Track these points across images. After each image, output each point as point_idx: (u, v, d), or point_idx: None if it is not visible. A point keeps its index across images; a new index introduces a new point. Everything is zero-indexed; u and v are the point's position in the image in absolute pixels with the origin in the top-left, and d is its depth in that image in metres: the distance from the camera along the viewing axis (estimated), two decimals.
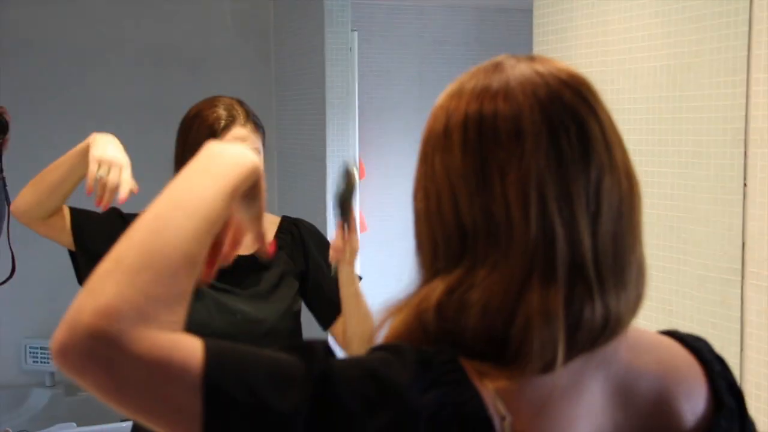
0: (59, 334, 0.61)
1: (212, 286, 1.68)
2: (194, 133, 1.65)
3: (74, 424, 3.15)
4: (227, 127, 1.63)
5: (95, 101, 3.65)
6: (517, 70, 0.74)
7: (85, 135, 3.67)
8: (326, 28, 3.39)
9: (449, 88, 0.76)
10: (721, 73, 1.62)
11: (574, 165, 0.69)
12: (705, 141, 1.66)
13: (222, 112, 1.65)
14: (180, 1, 3.76)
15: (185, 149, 1.66)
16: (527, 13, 4.31)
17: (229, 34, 3.89)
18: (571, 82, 0.74)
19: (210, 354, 0.62)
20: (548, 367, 0.66)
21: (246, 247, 1.72)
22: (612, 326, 0.69)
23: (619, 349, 0.74)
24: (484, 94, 0.72)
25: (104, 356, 0.59)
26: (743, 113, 1.56)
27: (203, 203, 0.69)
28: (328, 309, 1.76)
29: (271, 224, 1.81)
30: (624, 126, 1.91)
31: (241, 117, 1.66)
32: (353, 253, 1.57)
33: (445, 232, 0.70)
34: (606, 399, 0.72)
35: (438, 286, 0.70)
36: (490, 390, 0.66)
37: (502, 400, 0.66)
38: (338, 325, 1.75)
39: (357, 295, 1.62)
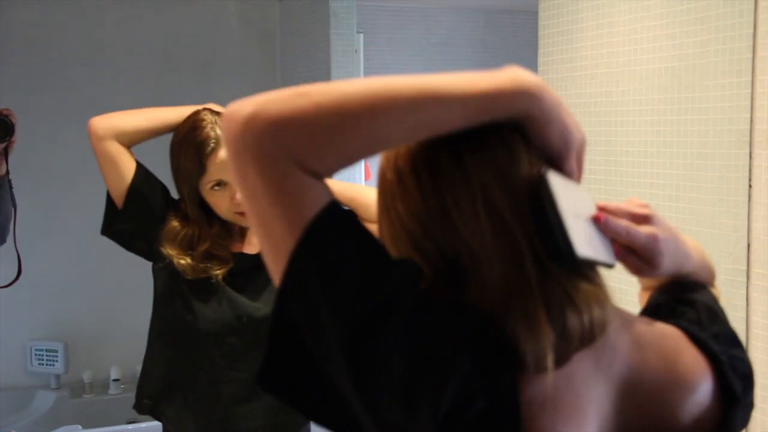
0: (248, 108, 0.68)
1: (227, 283, 1.69)
2: (183, 161, 1.66)
3: (79, 427, 3.15)
4: (214, 151, 1.64)
5: (100, 103, 3.64)
6: None
7: (85, 139, 3.68)
8: (332, 30, 3.40)
9: None
10: (726, 74, 1.62)
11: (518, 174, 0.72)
12: (710, 142, 1.66)
13: (208, 133, 1.65)
14: (185, 3, 3.77)
15: (179, 178, 1.68)
16: (532, 15, 4.31)
17: (234, 36, 3.90)
18: None
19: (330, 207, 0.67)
20: (541, 370, 0.67)
21: (253, 246, 1.74)
22: (599, 324, 0.70)
23: (623, 344, 0.75)
24: None
25: (261, 155, 0.65)
26: (748, 114, 1.56)
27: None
28: None
29: None
30: (629, 127, 1.93)
31: None
32: None
33: (433, 264, 0.73)
34: (611, 394, 0.73)
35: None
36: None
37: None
38: None
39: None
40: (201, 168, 1.64)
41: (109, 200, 1.75)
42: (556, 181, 0.71)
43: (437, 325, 0.66)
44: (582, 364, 0.71)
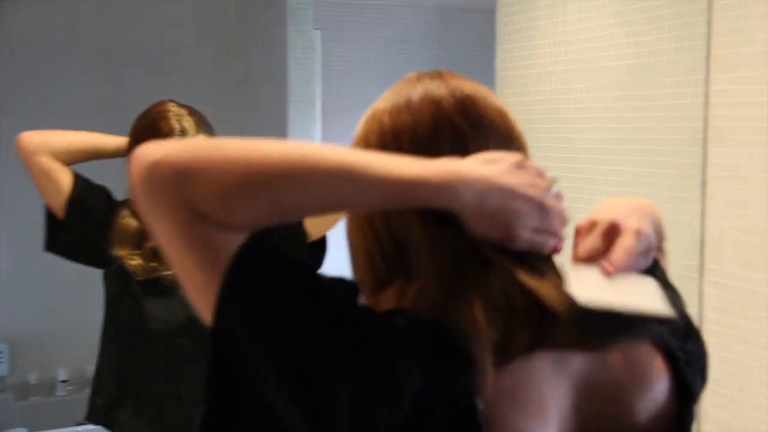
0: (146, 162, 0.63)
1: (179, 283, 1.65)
2: None
3: (25, 430, 3.07)
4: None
5: (48, 100, 3.58)
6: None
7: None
8: (289, 27, 3.37)
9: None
10: (680, 72, 1.63)
11: None
12: (665, 140, 1.67)
13: (173, 125, 1.62)
14: None
15: None
16: (489, 13, 4.33)
17: (189, 31, 3.84)
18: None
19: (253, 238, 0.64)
20: (487, 368, 0.66)
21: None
22: (546, 303, 0.69)
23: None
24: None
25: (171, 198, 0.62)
26: (702, 112, 1.57)
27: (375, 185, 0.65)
28: None
29: None
30: (587, 124, 1.94)
31: (193, 128, 1.63)
32: None
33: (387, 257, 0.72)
34: (571, 392, 0.72)
35: (388, 299, 0.70)
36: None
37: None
38: None
39: None
40: None
41: (49, 214, 1.69)
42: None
43: (382, 342, 0.63)
44: (542, 361, 0.70)
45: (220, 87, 3.88)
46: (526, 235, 0.68)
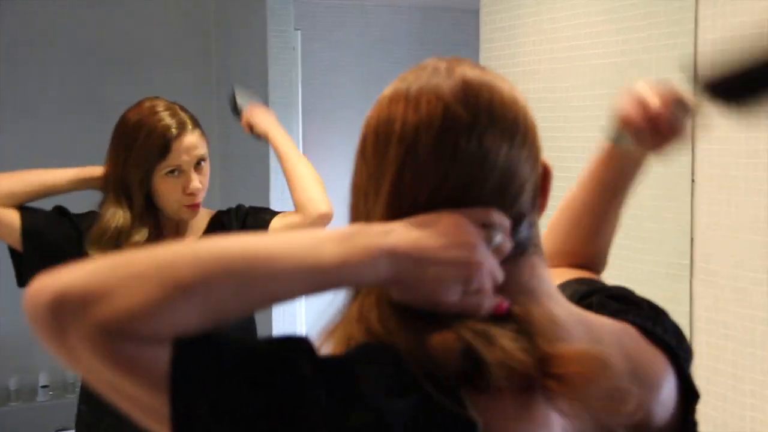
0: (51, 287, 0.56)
1: None
2: (142, 144, 1.58)
3: None
4: (179, 136, 1.58)
5: (27, 99, 3.52)
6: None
7: (16, 133, 3.53)
8: (269, 27, 3.34)
9: None
10: (669, 69, 1.62)
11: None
12: None
13: (170, 120, 1.59)
14: None
15: (132, 158, 1.59)
16: (471, 13, 4.33)
17: (169, 31, 3.80)
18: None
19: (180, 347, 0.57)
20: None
21: None
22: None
23: (578, 340, 0.71)
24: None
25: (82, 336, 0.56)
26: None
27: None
28: None
29: (203, 219, 1.75)
30: (573, 123, 1.93)
31: (189, 124, 1.61)
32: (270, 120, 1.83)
33: None
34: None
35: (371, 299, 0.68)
36: (463, 391, 0.63)
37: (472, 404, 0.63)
38: None
39: (284, 155, 1.76)
40: (165, 150, 1.57)
41: (12, 252, 1.66)
42: None
43: (357, 380, 0.60)
44: None
45: (200, 87, 3.85)
46: (453, 299, 0.64)
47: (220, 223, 1.74)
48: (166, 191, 1.60)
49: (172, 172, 1.59)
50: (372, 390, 0.60)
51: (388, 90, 0.73)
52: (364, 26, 4.18)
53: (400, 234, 0.63)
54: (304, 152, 3.58)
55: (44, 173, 1.66)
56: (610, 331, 0.75)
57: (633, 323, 0.78)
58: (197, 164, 1.61)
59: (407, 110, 0.70)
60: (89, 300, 0.55)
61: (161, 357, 0.56)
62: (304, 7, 3.92)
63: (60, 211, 1.69)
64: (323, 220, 1.65)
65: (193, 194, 1.60)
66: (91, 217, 1.65)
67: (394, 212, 0.68)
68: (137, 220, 1.61)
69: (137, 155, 1.57)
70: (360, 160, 0.73)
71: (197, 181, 1.60)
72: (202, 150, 1.62)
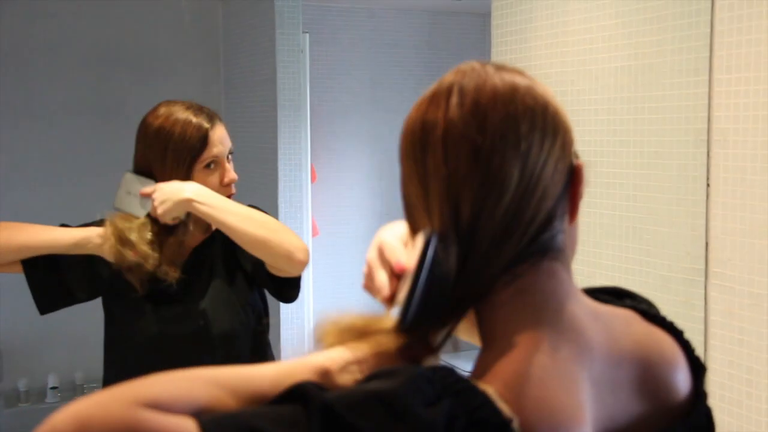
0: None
1: (161, 299, 1.62)
2: (179, 141, 1.58)
3: None
4: (213, 127, 1.62)
5: (38, 102, 3.53)
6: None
7: (30, 137, 3.54)
8: (277, 30, 3.34)
9: None
10: (683, 73, 1.62)
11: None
12: (667, 141, 1.66)
13: (199, 114, 1.61)
14: (127, 0, 3.66)
15: (170, 161, 1.58)
16: (478, 17, 4.33)
17: (176, 34, 3.81)
18: None
19: (205, 424, 0.59)
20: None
21: (180, 255, 1.67)
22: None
23: (594, 333, 0.73)
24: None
25: None
26: (706, 113, 1.56)
27: None
28: (257, 274, 1.69)
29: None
30: (585, 127, 1.92)
31: (215, 116, 1.65)
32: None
33: None
34: (594, 388, 0.70)
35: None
36: (491, 393, 0.64)
37: (505, 401, 0.64)
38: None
39: (226, 225, 1.55)
40: (204, 142, 1.58)
41: (29, 276, 1.66)
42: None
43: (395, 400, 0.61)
44: (571, 366, 0.69)
45: (209, 90, 3.85)
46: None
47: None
48: (206, 184, 1.61)
49: (209, 165, 1.61)
50: (410, 403, 0.60)
51: (426, 93, 0.75)
52: (371, 29, 4.18)
53: None
54: (312, 155, 3.58)
55: (47, 231, 1.60)
56: (620, 321, 0.78)
57: (633, 309, 0.81)
58: (228, 156, 1.65)
59: (441, 111, 0.71)
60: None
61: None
62: (312, 11, 3.92)
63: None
64: (305, 263, 1.59)
65: (230, 185, 1.64)
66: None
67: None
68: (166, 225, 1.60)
69: (176, 153, 1.58)
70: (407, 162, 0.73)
71: (233, 172, 1.65)
72: (230, 142, 1.67)
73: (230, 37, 3.84)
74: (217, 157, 1.62)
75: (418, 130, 0.72)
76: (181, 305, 1.64)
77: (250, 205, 1.65)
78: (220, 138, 1.63)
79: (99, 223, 1.64)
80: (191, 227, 1.63)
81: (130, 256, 1.54)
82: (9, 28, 3.46)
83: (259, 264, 1.62)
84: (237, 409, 0.62)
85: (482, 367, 0.68)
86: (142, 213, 1.59)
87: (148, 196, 1.58)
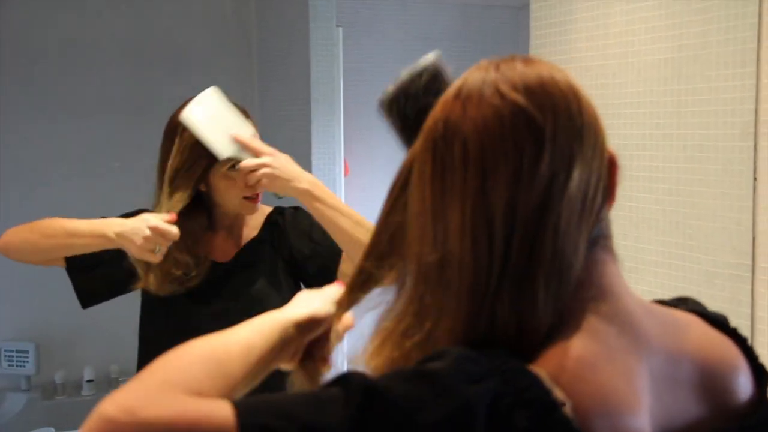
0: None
1: (206, 297, 1.63)
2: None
3: (52, 429, 3.06)
4: None
5: (74, 97, 3.56)
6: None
7: (66, 132, 3.57)
8: (311, 24, 3.33)
9: None
10: (729, 65, 1.59)
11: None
12: (712, 135, 1.63)
13: None
14: None
15: (186, 153, 1.58)
16: (511, 9, 4.29)
17: (210, 28, 3.82)
18: None
19: (240, 405, 0.62)
20: None
21: (224, 254, 1.67)
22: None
23: (650, 327, 0.72)
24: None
25: None
26: (753, 106, 1.53)
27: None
28: (323, 282, 1.71)
29: (262, 214, 1.75)
30: (627, 120, 1.89)
31: (245, 113, 1.63)
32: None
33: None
34: (653, 383, 0.69)
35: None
36: (543, 377, 0.63)
37: (559, 385, 0.63)
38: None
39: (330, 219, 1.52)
40: None
41: (69, 271, 1.67)
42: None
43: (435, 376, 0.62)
44: (627, 357, 0.68)
45: (243, 85, 3.86)
46: None
47: (276, 224, 1.73)
48: (228, 186, 1.59)
49: (234, 165, 1.58)
50: (453, 380, 0.61)
51: (451, 91, 0.74)
52: (404, 22, 4.16)
53: None
54: (345, 148, 3.58)
55: (69, 229, 1.60)
56: (678, 321, 0.76)
57: (693, 311, 0.80)
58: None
59: (470, 109, 0.70)
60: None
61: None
62: (346, 4, 3.91)
63: None
64: None
65: (254, 185, 1.57)
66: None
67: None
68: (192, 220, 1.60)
69: (193, 150, 1.57)
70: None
71: None
72: (256, 134, 1.62)
73: (264, 32, 3.85)
74: (239, 157, 1.57)
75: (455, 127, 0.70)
76: (220, 302, 1.64)
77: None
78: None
79: (135, 213, 1.65)
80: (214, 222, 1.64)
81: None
82: (45, 25, 3.49)
83: (329, 274, 1.60)
84: (270, 395, 0.64)
85: (535, 353, 0.67)
86: (224, 153, 1.42)
87: (243, 144, 1.46)
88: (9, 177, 3.44)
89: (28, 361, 3.35)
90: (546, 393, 0.61)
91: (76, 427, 3.22)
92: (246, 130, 1.53)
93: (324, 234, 1.58)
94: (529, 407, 0.60)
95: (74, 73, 3.55)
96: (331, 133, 3.39)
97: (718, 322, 0.80)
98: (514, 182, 0.66)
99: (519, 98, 0.69)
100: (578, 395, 0.63)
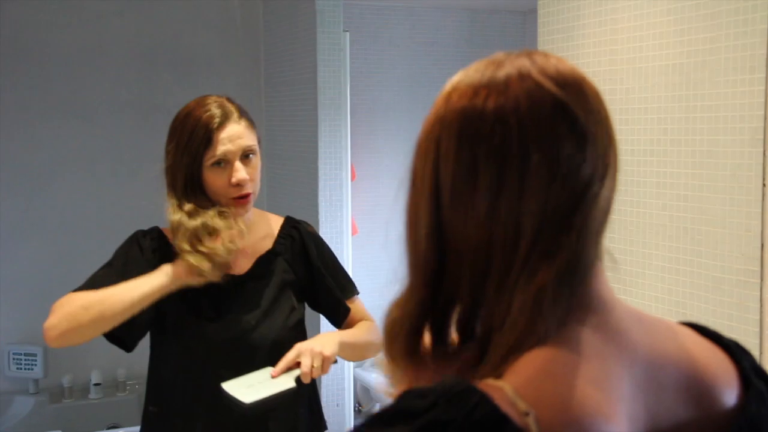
0: None
1: (218, 307, 1.64)
2: (188, 134, 1.60)
3: None
4: (222, 125, 1.60)
5: (83, 101, 3.58)
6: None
7: (74, 135, 3.59)
8: (318, 29, 3.34)
9: None
10: (737, 71, 1.59)
11: None
12: (721, 140, 1.63)
13: (215, 110, 1.61)
14: (169, 0, 3.70)
15: (180, 151, 1.60)
16: (518, 14, 4.29)
17: (218, 33, 3.83)
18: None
19: None
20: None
21: (240, 267, 1.68)
22: None
23: (637, 335, 0.73)
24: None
25: None
26: (762, 112, 1.53)
27: None
28: (337, 309, 1.77)
29: (274, 224, 1.76)
30: (635, 126, 1.89)
31: (235, 113, 1.62)
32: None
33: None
34: (634, 386, 0.70)
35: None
36: (507, 390, 0.64)
37: (522, 397, 0.64)
38: (350, 323, 1.78)
39: (346, 345, 1.64)
40: (208, 140, 1.58)
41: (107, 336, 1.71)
42: None
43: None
44: (607, 363, 0.69)
45: (250, 89, 3.87)
46: None
47: (291, 237, 1.76)
48: (214, 183, 1.61)
49: (218, 163, 1.60)
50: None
51: (462, 81, 0.76)
52: (411, 28, 4.17)
53: None
54: (352, 153, 3.58)
55: (115, 297, 1.66)
56: (666, 328, 0.78)
57: (689, 326, 0.82)
58: (245, 156, 1.61)
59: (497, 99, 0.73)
60: None
61: None
62: (353, 9, 3.92)
63: (126, 252, 1.69)
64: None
65: (239, 185, 1.59)
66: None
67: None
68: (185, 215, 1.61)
69: (184, 147, 1.59)
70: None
71: (243, 171, 1.59)
72: (249, 141, 1.62)
73: (271, 36, 3.86)
74: (224, 155, 1.59)
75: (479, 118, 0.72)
76: (231, 312, 1.65)
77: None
78: (230, 136, 1.59)
79: (148, 233, 1.67)
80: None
81: (219, 249, 1.56)
82: (54, 27, 3.51)
83: (341, 310, 1.76)
84: None
85: (509, 365, 0.69)
86: (250, 398, 1.46)
87: (279, 371, 1.54)
88: (16, 179, 3.45)
89: (36, 365, 3.36)
90: (494, 409, 0.62)
91: (83, 430, 3.24)
92: (264, 373, 1.57)
93: (338, 269, 1.79)
94: (479, 426, 0.61)
95: (83, 77, 3.57)
96: (337, 138, 3.40)
97: (715, 335, 0.81)
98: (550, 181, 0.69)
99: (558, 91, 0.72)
100: (540, 405, 0.64)
